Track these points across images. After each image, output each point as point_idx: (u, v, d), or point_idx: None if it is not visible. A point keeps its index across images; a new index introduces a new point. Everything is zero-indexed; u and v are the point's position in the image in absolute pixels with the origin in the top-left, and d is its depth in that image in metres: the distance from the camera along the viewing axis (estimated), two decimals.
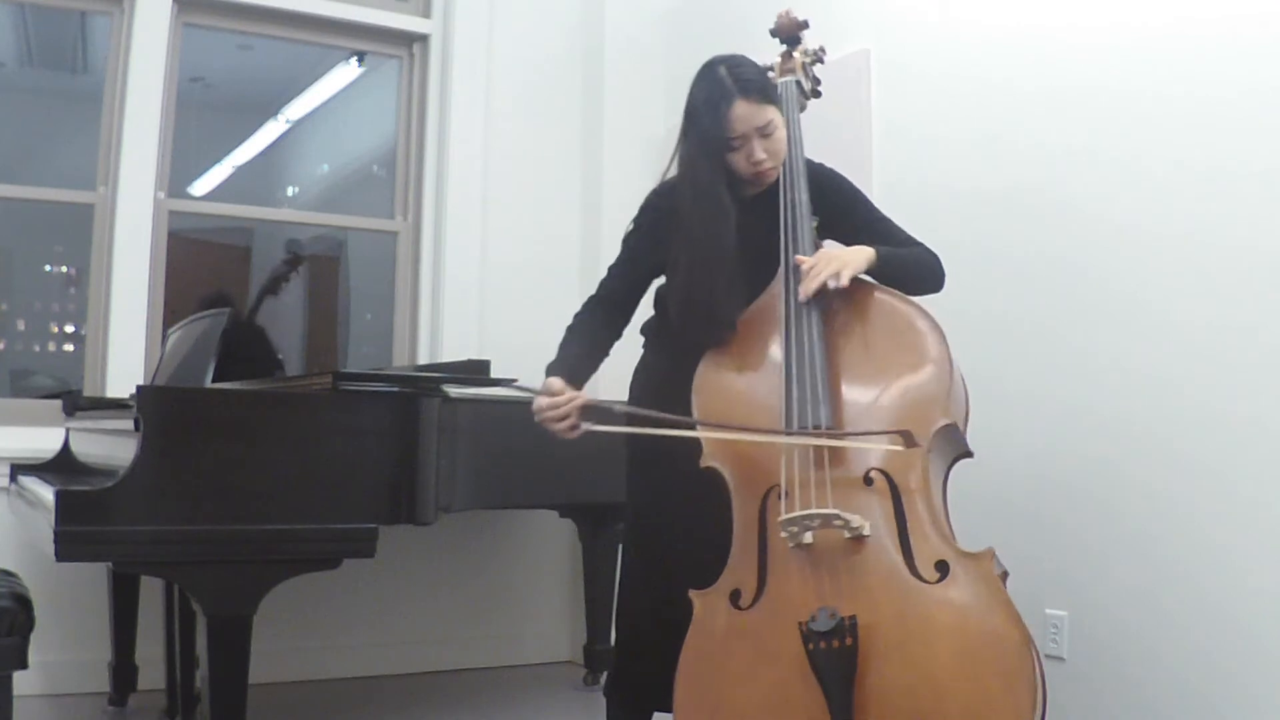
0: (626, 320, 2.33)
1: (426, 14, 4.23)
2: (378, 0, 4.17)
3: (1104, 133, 2.64)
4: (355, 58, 4.48)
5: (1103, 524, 2.59)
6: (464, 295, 4.09)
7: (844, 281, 2.03)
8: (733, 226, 2.16)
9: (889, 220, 2.30)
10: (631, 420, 2.07)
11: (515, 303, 4.12)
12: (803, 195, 2.19)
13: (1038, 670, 1.75)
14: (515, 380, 2.81)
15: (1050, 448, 2.72)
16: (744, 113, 2.15)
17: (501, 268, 4.15)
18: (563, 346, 2.23)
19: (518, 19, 4.27)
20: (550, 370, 2.15)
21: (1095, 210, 2.65)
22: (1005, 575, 1.90)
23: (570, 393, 2.08)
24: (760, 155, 2.18)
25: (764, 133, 2.17)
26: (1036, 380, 2.76)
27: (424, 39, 4.22)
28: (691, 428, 2.06)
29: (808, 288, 2.05)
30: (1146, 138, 2.55)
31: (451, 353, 3.95)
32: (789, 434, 1.99)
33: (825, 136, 3.31)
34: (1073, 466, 2.66)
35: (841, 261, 2.06)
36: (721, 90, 2.15)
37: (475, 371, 2.71)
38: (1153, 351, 2.51)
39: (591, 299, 2.32)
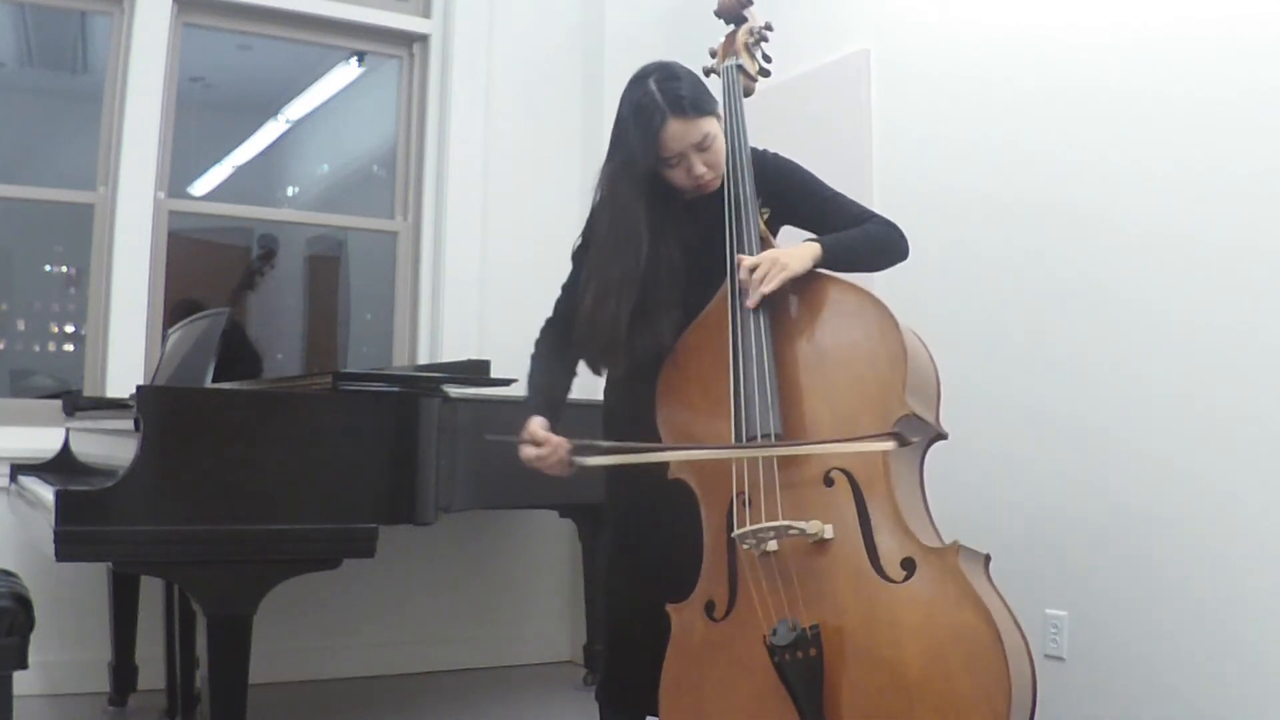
0: None
1: (426, 14, 4.23)
2: (378, 0, 4.17)
3: (1104, 133, 2.64)
4: (355, 58, 4.48)
5: (1103, 524, 2.59)
6: (464, 295, 4.09)
7: (770, 288, 1.96)
8: (643, 254, 2.08)
9: (841, 197, 2.18)
10: (618, 451, 2.02)
11: (515, 303, 4.09)
12: (747, 189, 2.09)
13: (1015, 664, 1.72)
14: (515, 380, 2.82)
15: (1051, 447, 2.71)
16: (678, 131, 2.04)
17: (501, 268, 4.15)
18: (531, 379, 2.18)
19: (518, 19, 4.27)
20: (526, 408, 2.10)
21: (1095, 210, 2.65)
22: (988, 559, 1.88)
23: (553, 439, 2.03)
24: (700, 169, 2.08)
25: (701, 147, 2.07)
26: (1036, 379, 2.76)
27: (424, 39, 4.22)
28: (673, 453, 2.03)
29: (751, 300, 1.98)
30: (1146, 138, 2.55)
31: (451, 353, 3.95)
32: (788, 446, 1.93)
33: (825, 136, 3.33)
34: (1073, 466, 2.66)
35: (779, 265, 1.97)
36: (653, 107, 2.03)
37: (475, 371, 2.71)
38: (1153, 351, 2.51)
39: (548, 322, 2.26)
